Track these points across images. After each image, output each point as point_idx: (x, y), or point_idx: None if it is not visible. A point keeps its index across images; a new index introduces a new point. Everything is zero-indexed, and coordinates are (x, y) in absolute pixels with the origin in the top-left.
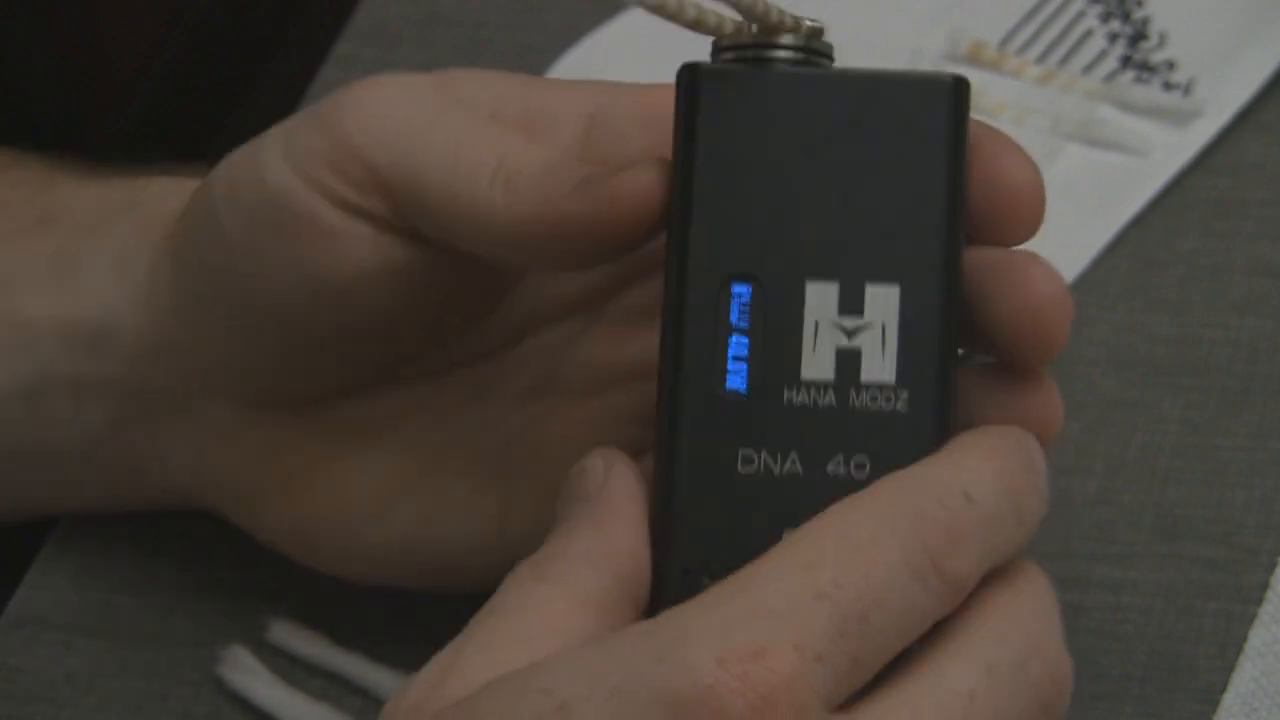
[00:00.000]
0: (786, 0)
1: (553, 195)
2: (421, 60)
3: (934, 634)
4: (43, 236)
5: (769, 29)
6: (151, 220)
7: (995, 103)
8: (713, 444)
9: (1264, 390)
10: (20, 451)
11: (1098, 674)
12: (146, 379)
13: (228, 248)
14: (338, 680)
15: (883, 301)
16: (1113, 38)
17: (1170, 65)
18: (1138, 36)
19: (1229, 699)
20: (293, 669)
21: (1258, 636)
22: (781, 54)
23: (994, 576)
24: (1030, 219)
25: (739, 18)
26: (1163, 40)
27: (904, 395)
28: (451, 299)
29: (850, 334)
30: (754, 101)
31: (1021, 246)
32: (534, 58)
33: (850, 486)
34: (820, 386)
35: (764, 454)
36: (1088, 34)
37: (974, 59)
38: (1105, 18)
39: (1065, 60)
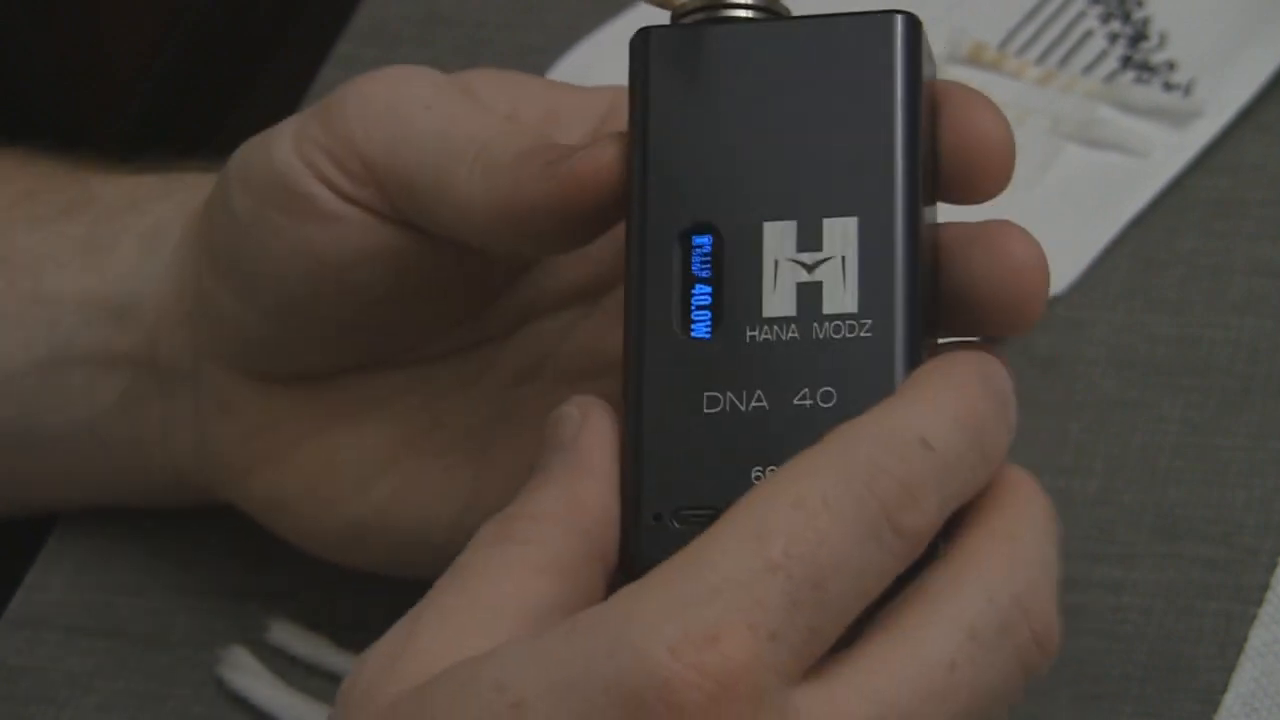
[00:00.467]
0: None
1: (522, 179)
2: (421, 60)
3: (917, 586)
4: (73, 220)
5: None
6: (187, 203)
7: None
8: (678, 389)
9: (1264, 390)
10: (27, 431)
11: (1098, 674)
12: (162, 351)
13: (237, 224)
14: (338, 680)
15: (841, 234)
16: (1113, 38)
17: (1170, 66)
18: (1138, 37)
19: (1229, 699)
20: (293, 669)
21: (1258, 637)
22: (739, 13)
23: (984, 500)
24: (1001, 170)
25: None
26: (1163, 41)
27: (867, 323)
28: (449, 288)
29: (810, 268)
30: (705, 56)
31: (1021, 240)
32: (534, 58)
33: (818, 417)
34: (783, 322)
35: (729, 394)
36: (1088, 34)
37: (974, 60)
38: (1105, 18)
39: (1065, 61)
